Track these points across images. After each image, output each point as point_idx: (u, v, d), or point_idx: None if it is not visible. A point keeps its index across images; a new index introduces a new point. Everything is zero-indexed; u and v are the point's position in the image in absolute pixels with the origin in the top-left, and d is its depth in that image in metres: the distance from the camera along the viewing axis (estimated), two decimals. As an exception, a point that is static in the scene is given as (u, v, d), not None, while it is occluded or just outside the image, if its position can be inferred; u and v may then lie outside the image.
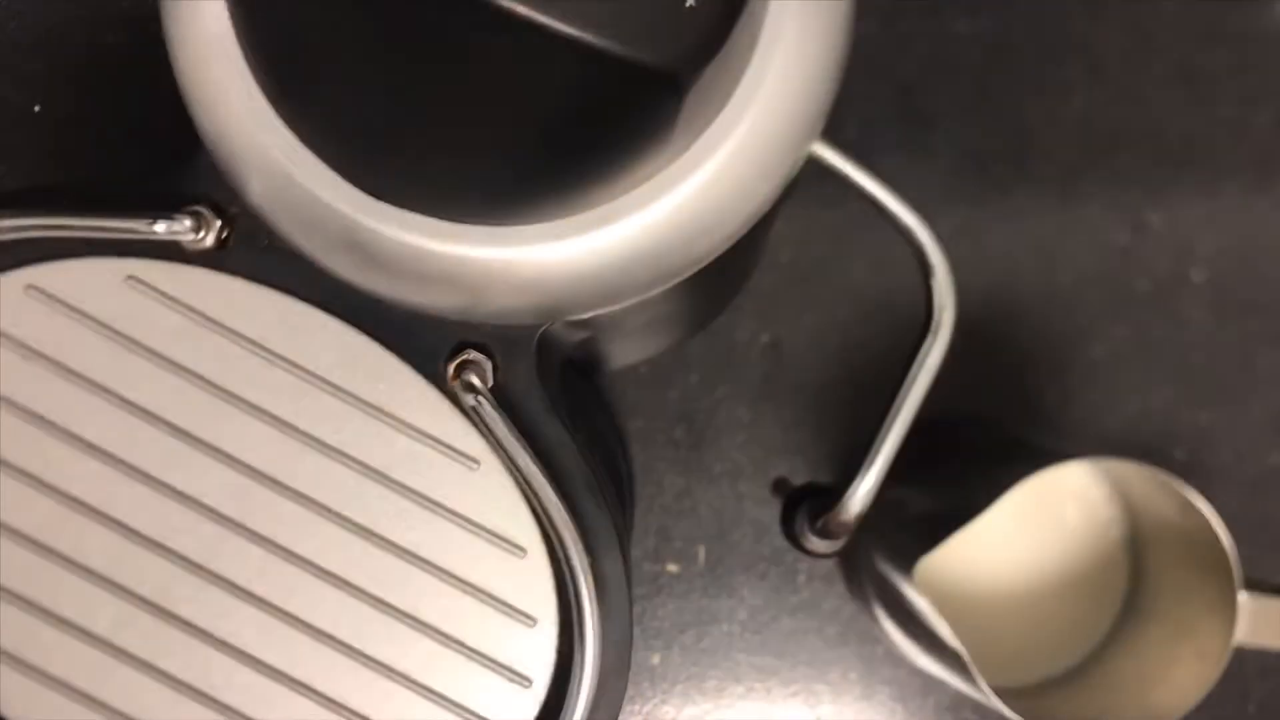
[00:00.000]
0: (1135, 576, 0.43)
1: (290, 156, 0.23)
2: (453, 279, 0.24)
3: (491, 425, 0.26)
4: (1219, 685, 0.35)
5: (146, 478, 0.26)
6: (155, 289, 0.26)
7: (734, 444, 0.46)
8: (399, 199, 0.23)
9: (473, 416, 0.26)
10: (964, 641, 0.34)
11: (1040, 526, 0.43)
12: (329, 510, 0.26)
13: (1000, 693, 0.34)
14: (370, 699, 0.26)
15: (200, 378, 0.26)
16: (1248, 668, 0.42)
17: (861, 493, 0.29)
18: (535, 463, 0.26)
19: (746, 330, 0.46)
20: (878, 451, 0.29)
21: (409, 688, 0.26)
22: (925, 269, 0.28)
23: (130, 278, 0.26)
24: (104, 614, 0.26)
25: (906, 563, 0.36)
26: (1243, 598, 0.35)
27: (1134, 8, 0.48)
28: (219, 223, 0.26)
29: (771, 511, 0.46)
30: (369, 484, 0.26)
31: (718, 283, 0.38)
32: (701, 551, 0.46)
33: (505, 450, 0.26)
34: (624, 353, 0.43)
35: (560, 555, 0.26)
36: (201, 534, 0.26)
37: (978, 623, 0.42)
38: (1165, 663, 0.38)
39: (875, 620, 0.43)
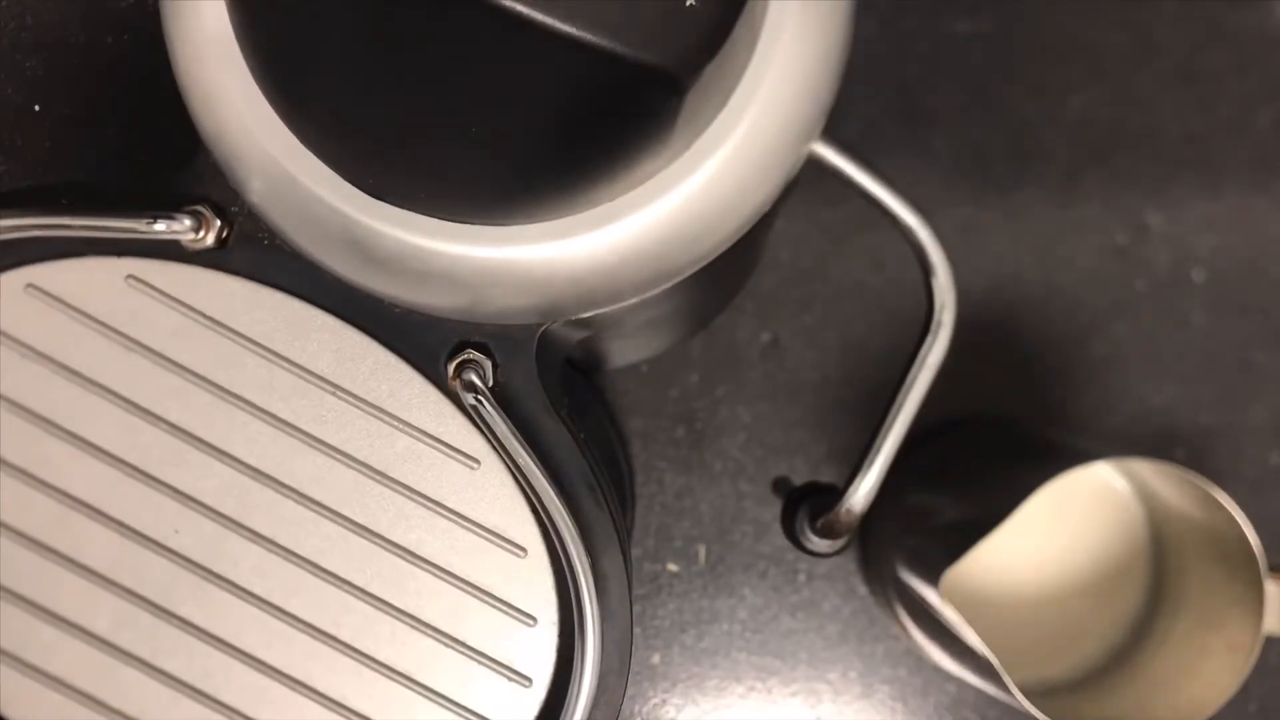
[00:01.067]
0: (1159, 573, 0.43)
1: (290, 156, 0.23)
2: (453, 279, 0.24)
3: (492, 424, 0.26)
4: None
5: (147, 477, 0.26)
6: (155, 288, 0.26)
7: (734, 443, 0.46)
8: (399, 199, 0.23)
9: (473, 416, 0.26)
10: (989, 641, 0.34)
11: (1062, 526, 0.43)
12: (329, 510, 0.26)
13: (1029, 693, 0.34)
14: (371, 698, 0.26)
15: (200, 377, 0.26)
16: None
17: (862, 491, 0.29)
18: (535, 462, 0.26)
19: (747, 330, 0.46)
20: (878, 450, 0.29)
21: (409, 687, 0.26)
22: (926, 268, 0.28)
23: (130, 277, 0.26)
24: (104, 614, 0.26)
25: (931, 572, 0.36)
26: (1270, 587, 0.35)
27: (1134, 8, 0.48)
28: (219, 222, 0.26)
29: (772, 511, 0.46)
30: (369, 483, 0.26)
31: (718, 282, 0.38)
32: (702, 551, 0.46)
33: (505, 450, 0.26)
34: (624, 352, 0.43)
35: (560, 554, 0.26)
36: (202, 534, 0.26)
37: (1002, 622, 0.43)
38: (1196, 657, 0.38)
39: (900, 624, 0.43)
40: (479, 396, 0.26)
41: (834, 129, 0.26)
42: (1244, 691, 0.35)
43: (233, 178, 0.25)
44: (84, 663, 0.26)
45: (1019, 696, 0.34)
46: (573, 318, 0.26)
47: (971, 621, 0.35)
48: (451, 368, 0.26)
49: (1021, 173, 0.47)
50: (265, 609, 0.26)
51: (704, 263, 0.25)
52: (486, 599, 0.27)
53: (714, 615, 0.45)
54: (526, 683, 0.27)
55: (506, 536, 0.27)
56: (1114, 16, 0.48)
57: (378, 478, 0.27)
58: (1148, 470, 0.40)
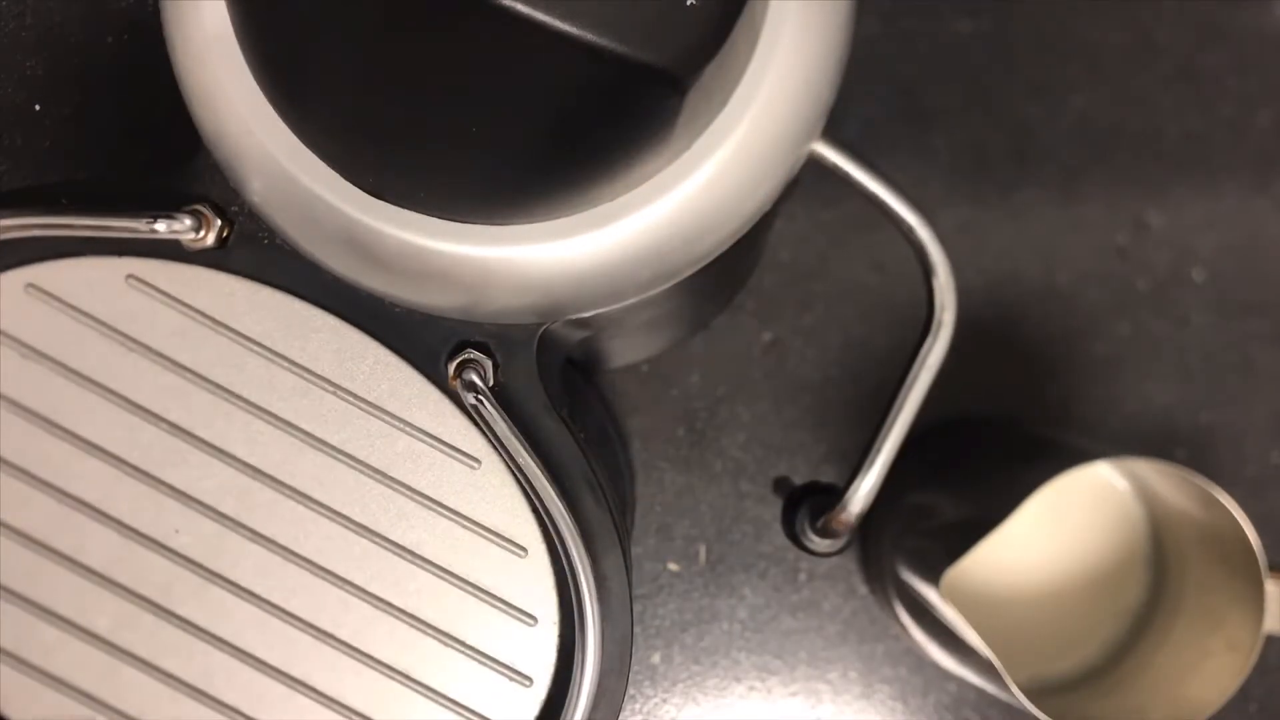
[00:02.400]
0: (1159, 573, 0.43)
1: (290, 156, 0.23)
2: (453, 278, 0.24)
3: (492, 424, 0.26)
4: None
5: (147, 477, 0.26)
6: (155, 288, 0.26)
7: (735, 443, 0.46)
8: (399, 198, 0.23)
9: (473, 416, 0.26)
10: (989, 641, 0.34)
11: (1061, 525, 0.43)
12: (329, 509, 0.26)
13: (1029, 692, 0.34)
14: (371, 698, 0.26)
15: (200, 377, 0.26)
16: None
17: (862, 492, 0.29)
18: (536, 462, 0.26)
19: (747, 329, 0.46)
20: (878, 451, 0.29)
21: (410, 686, 0.26)
22: (926, 268, 0.28)
23: (130, 277, 0.26)
24: (104, 614, 0.26)
25: (931, 572, 0.36)
26: (1270, 587, 0.35)
27: (1134, 8, 0.48)
28: (219, 222, 0.26)
29: (772, 510, 0.46)
30: (369, 483, 0.26)
31: (718, 282, 0.38)
32: (702, 550, 0.46)
33: (506, 449, 0.26)
34: (625, 351, 0.43)
35: (561, 554, 0.26)
36: (202, 533, 0.26)
37: (1002, 621, 0.43)
38: (1196, 656, 0.38)
39: (900, 624, 0.43)
40: (479, 396, 0.26)
41: (834, 129, 0.26)
42: (1244, 691, 0.35)
43: (233, 177, 0.25)
44: (84, 662, 0.26)
45: (1019, 696, 0.34)
46: (573, 317, 0.26)
47: (971, 621, 0.35)
48: (452, 367, 0.26)
49: (1021, 173, 0.47)
50: (265, 608, 0.26)
51: (704, 262, 0.25)
52: (487, 598, 0.27)
53: (714, 615, 0.45)
54: (527, 682, 0.27)
55: (507, 536, 0.27)
56: (1114, 16, 0.48)
57: (378, 477, 0.27)
58: (1148, 470, 0.40)
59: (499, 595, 0.27)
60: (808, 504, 0.31)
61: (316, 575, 0.26)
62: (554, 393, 0.27)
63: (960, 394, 0.44)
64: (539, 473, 0.26)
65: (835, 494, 0.30)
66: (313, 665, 0.26)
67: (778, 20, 0.23)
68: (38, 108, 0.44)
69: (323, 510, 0.26)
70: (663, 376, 0.46)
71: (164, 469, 0.26)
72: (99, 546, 0.26)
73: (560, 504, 0.25)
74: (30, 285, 0.26)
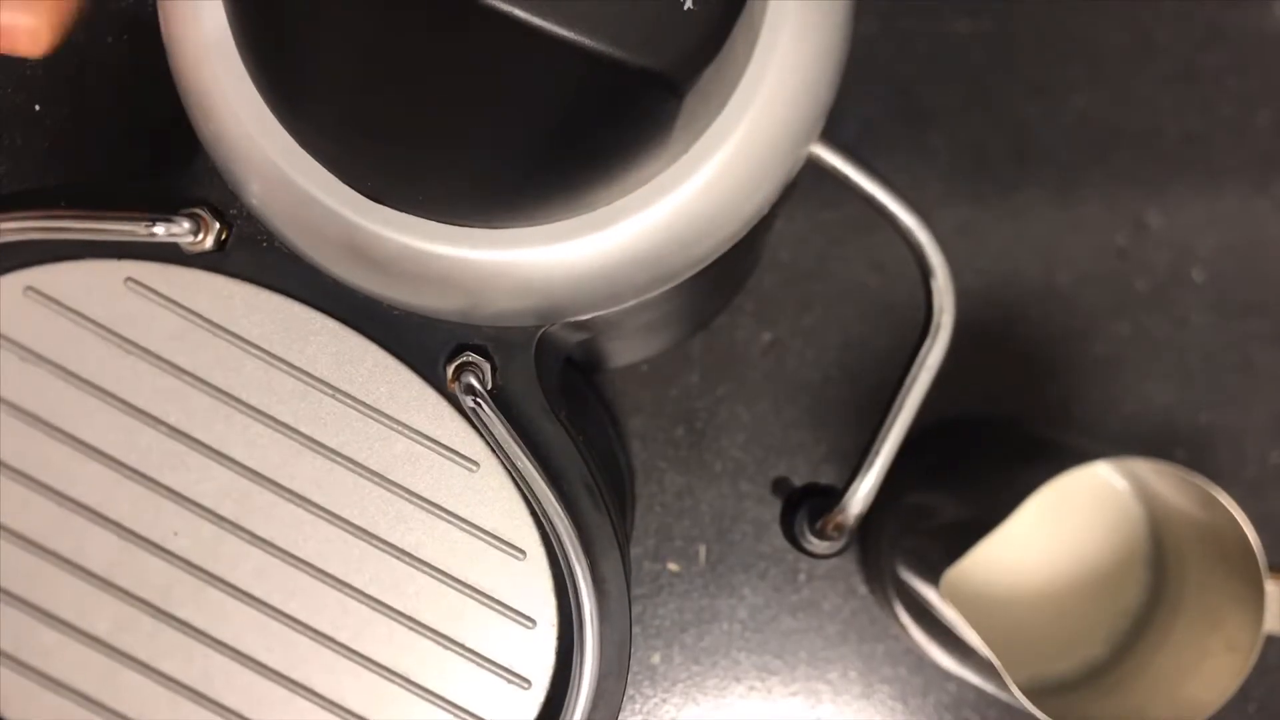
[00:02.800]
0: (1158, 573, 0.43)
1: (288, 159, 0.23)
2: (452, 282, 0.24)
3: (491, 427, 0.26)
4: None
5: (146, 479, 0.26)
6: (154, 291, 0.26)
7: (734, 443, 0.46)
8: (397, 202, 0.23)
9: (472, 418, 0.26)
10: (989, 641, 0.34)
11: (1061, 525, 0.43)
12: (328, 512, 0.26)
13: (1028, 692, 0.34)
14: (370, 700, 0.26)
15: (199, 380, 0.26)
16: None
17: (861, 493, 0.29)
18: (534, 464, 0.26)
19: (747, 330, 0.46)
20: (877, 452, 0.29)
21: (408, 689, 0.26)
22: (925, 269, 0.28)
23: (129, 280, 0.26)
24: (104, 616, 0.26)
25: (932, 572, 0.36)
26: (1270, 587, 0.35)
27: (1134, 8, 0.48)
28: (218, 225, 0.26)
29: (772, 510, 0.46)
30: (368, 486, 0.27)
31: (717, 284, 0.38)
32: (702, 551, 0.46)
33: (504, 452, 0.26)
34: (624, 352, 0.43)
35: (559, 556, 0.26)
36: (201, 536, 0.26)
37: (1002, 621, 0.43)
38: (1195, 656, 0.38)
39: (900, 624, 0.43)
40: (478, 399, 0.26)
41: (833, 129, 0.26)
42: (1243, 691, 0.35)
43: (231, 180, 0.25)
44: (84, 665, 0.26)
45: (1019, 696, 0.34)
46: (572, 320, 0.26)
47: (971, 621, 0.35)
48: (450, 370, 0.26)
49: (1021, 173, 0.47)
50: (264, 611, 0.26)
51: (703, 265, 0.25)
52: (485, 601, 0.27)
53: (714, 615, 0.45)
54: (525, 685, 0.27)
55: (505, 539, 0.27)
56: (1114, 16, 0.48)
57: (376, 480, 0.27)
58: (1148, 470, 0.40)
59: (497, 598, 0.27)
60: (807, 506, 0.31)
61: (315, 578, 0.26)
62: (552, 395, 0.27)
63: (959, 395, 0.44)
64: (537, 476, 0.26)
65: (834, 495, 0.30)
66: (312, 668, 0.26)
67: (776, 23, 0.23)
68: (38, 108, 0.44)
69: (321, 513, 0.26)
70: (663, 376, 0.46)
71: (163, 472, 0.26)
72: (98, 549, 0.26)
73: (558, 507, 0.25)
74: (29, 288, 0.26)
